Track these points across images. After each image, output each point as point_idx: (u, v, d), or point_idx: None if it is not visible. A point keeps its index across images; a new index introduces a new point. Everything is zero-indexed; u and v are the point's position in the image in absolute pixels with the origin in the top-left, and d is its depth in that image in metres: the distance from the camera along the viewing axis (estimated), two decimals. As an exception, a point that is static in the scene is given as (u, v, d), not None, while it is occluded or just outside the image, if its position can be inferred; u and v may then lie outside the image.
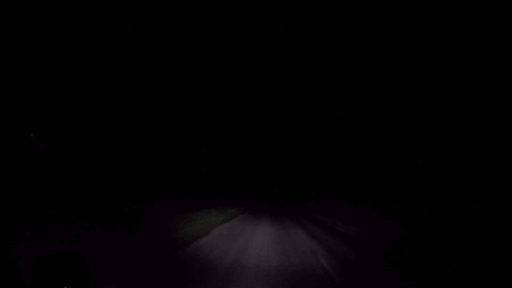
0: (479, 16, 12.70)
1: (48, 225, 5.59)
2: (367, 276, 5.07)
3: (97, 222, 6.95)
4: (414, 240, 8.58)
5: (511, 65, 11.41)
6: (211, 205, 17.56)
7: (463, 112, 12.95)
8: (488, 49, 12.35)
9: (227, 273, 4.37)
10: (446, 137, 13.53)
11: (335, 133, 28.97)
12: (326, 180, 31.51)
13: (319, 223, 14.93)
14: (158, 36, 22.89)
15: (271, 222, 13.95)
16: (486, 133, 11.74)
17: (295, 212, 26.26)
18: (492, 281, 5.02)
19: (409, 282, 4.97)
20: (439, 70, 14.77)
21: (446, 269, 5.64)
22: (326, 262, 5.55)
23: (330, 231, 11.70)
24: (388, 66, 18.99)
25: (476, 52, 12.87)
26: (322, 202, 26.93)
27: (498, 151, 11.02)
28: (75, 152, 14.18)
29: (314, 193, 34.09)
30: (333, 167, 29.73)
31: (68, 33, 15.00)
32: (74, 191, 11.95)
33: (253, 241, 7.57)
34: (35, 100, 12.86)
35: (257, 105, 45.15)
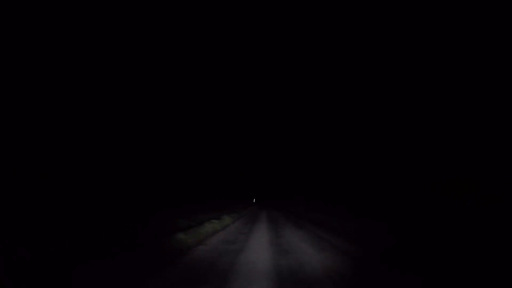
0: (479, 16, 12.68)
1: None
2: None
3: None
4: (413, 240, 8.55)
5: (511, 65, 11.37)
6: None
7: (463, 112, 12.92)
8: (488, 49, 12.32)
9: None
10: (446, 136, 13.50)
11: (335, 133, 28.92)
12: (327, 179, 31.48)
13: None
14: (158, 36, 22.87)
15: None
16: (486, 133, 11.71)
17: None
18: (492, 281, 5.00)
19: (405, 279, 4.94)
20: (439, 70, 14.73)
21: (445, 270, 5.62)
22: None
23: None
24: (387, 66, 18.95)
25: (476, 52, 12.83)
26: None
27: (498, 151, 10.98)
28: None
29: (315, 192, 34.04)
30: (333, 167, 29.69)
31: (66, 32, 14.95)
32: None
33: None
34: (29, 100, 12.69)
35: (257, 104, 45.12)
